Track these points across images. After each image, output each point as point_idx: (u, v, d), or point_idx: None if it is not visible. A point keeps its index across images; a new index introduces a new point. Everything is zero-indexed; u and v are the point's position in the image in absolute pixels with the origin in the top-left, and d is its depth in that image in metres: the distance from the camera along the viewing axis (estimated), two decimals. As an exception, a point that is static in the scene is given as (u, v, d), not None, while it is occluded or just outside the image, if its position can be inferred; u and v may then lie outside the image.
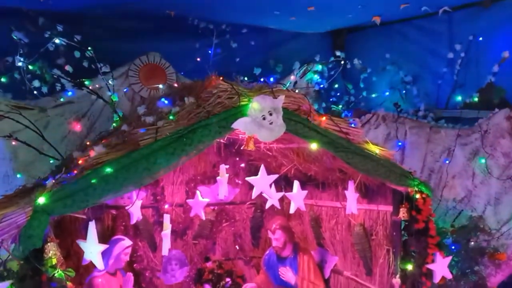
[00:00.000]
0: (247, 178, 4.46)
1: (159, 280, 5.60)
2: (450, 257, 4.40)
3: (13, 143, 4.99)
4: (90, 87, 5.41)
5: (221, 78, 3.60)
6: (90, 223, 3.46)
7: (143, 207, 5.48)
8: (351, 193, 4.41)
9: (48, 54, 5.30)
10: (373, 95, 7.96)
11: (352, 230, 4.93)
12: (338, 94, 8.11)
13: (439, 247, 4.32)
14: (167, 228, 4.23)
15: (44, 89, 5.30)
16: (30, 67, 5.00)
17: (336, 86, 8.08)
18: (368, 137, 7.34)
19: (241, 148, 3.75)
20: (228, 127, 3.43)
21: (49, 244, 3.04)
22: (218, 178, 4.37)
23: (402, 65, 7.50)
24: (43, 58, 5.16)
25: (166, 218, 4.15)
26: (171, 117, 3.50)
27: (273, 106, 3.57)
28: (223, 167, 4.31)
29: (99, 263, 3.45)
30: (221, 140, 4.88)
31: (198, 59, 6.88)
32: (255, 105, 3.49)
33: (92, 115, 6.31)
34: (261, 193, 4.32)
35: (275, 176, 4.27)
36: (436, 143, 6.12)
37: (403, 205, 4.32)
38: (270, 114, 3.55)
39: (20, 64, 4.90)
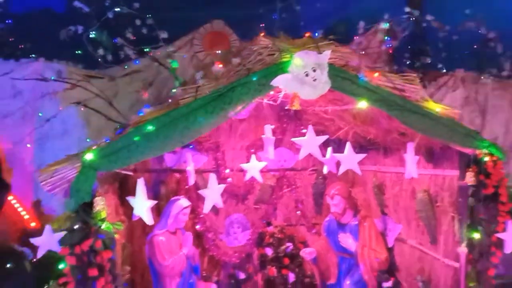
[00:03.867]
0: (293, 139, 4.35)
1: (221, 242, 5.73)
2: (525, 226, 3.98)
3: (81, 109, 5.31)
4: (151, 55, 5.55)
5: (262, 34, 3.48)
6: (138, 180, 3.58)
7: (204, 171, 5.63)
8: (410, 156, 4.12)
9: (111, 23, 5.51)
10: (452, 56, 7.34)
11: (415, 197, 4.63)
12: (413, 55, 7.58)
13: (511, 214, 3.91)
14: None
15: (109, 58, 5.51)
16: (92, 35, 5.22)
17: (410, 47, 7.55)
18: (444, 101, 6.91)
19: (285, 108, 3.63)
20: (268, 85, 3.33)
21: (97, 198, 3.19)
22: (263, 136, 4.27)
23: (485, 21, 6.79)
24: (105, 27, 5.36)
25: (212, 177, 4.17)
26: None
27: (318, 62, 3.40)
28: (268, 127, 4.22)
29: (147, 218, 3.58)
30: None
31: (262, 25, 6.79)
32: (297, 61, 3.34)
33: (159, 83, 6.53)
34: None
35: (324, 138, 4.11)
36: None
37: (470, 169, 3.95)
38: (314, 71, 3.39)
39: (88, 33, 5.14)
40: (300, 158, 4.38)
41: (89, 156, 3.12)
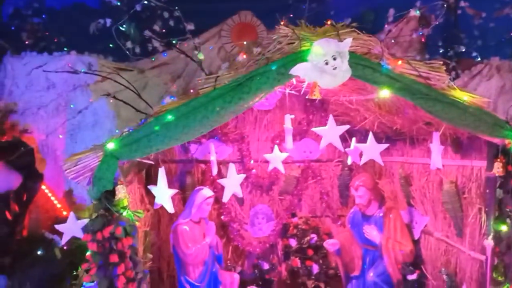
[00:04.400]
0: (313, 129, 4.32)
1: (246, 233, 5.78)
2: (557, 220, 3.82)
3: (111, 101, 5.43)
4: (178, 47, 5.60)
5: (282, 22, 3.46)
6: (159, 168, 3.65)
7: (229, 162, 5.66)
8: (435, 146, 4.02)
9: (140, 16, 5.60)
10: (488, 44, 7.09)
11: (439, 188, 4.52)
12: (447, 43, 7.37)
13: (541, 207, 3.76)
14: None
15: (137, 50, 5.60)
16: (120, 28, 5.32)
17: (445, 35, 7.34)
18: (479, 90, 6.69)
19: (306, 97, 3.60)
20: (287, 74, 3.30)
21: (119, 186, 3.27)
22: (284, 126, 4.26)
23: (522, 6, 6.53)
24: (133, 20, 5.46)
25: (231, 167, 4.19)
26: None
27: (338, 50, 3.34)
28: (288, 117, 4.20)
29: (169, 206, 3.65)
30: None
31: (291, 15, 6.75)
32: (317, 49, 3.30)
33: (187, 76, 6.61)
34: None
35: (345, 127, 4.06)
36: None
37: (498, 159, 3.81)
38: (334, 59, 3.33)
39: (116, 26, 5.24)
40: (321, 147, 4.34)
41: (110, 145, 3.19)
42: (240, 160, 5.73)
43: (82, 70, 5.33)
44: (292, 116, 4.29)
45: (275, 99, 5.63)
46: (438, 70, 3.63)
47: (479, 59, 6.83)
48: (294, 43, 3.41)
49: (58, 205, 5.74)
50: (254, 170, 5.74)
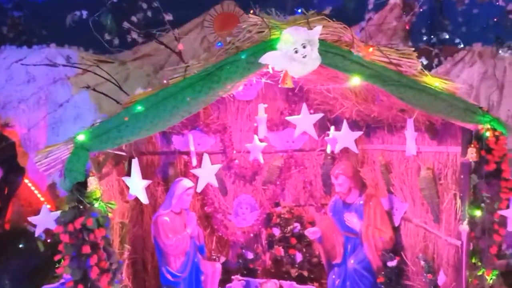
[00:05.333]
0: (287, 118, 4.33)
1: (230, 223, 5.80)
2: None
3: (93, 93, 5.43)
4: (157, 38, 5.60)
5: (251, 11, 3.45)
6: (133, 160, 3.66)
7: (211, 153, 5.67)
8: (409, 132, 4.03)
9: (117, 7, 5.58)
10: (471, 30, 7.10)
11: (417, 175, 4.55)
12: (431, 30, 7.38)
13: (514, 191, 3.79)
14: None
15: (116, 42, 5.59)
16: (98, 20, 5.30)
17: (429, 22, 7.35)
18: (461, 76, 6.70)
19: (279, 85, 3.60)
20: (256, 63, 3.30)
21: (90, 178, 3.28)
22: (256, 117, 4.26)
23: (504, -9, 6.53)
24: (112, 11, 5.43)
25: (205, 157, 4.20)
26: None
27: (308, 38, 3.34)
28: (261, 106, 4.20)
29: (143, 197, 3.66)
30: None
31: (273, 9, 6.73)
32: (286, 37, 3.29)
33: (170, 67, 6.58)
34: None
35: (318, 116, 4.07)
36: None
37: (472, 145, 3.83)
38: (304, 47, 3.33)
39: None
40: (295, 136, 4.35)
41: (81, 137, 3.20)
42: (223, 151, 5.74)
43: (61, 64, 5.35)
44: (265, 105, 4.29)
45: (256, 89, 5.63)
46: (409, 56, 3.64)
47: (462, 45, 6.84)
48: (263, 31, 3.40)
49: (42, 199, 5.76)
50: (237, 161, 5.75)
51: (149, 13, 5.56)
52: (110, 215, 3.36)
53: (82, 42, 6.05)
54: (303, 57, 3.34)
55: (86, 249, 3.17)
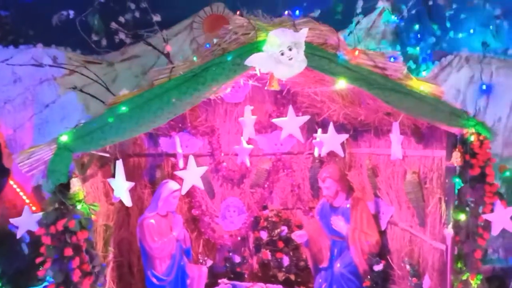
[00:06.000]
0: (273, 120, 4.32)
1: (217, 226, 5.78)
2: (514, 208, 3.86)
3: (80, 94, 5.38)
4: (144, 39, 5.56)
5: (238, 13, 3.44)
6: (117, 161, 3.63)
7: (199, 155, 5.66)
8: (395, 136, 4.04)
9: (105, 7, 5.54)
10: (459, 35, 7.15)
11: (403, 178, 4.56)
12: (420, 35, 7.43)
13: (498, 195, 3.80)
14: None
15: (103, 42, 5.54)
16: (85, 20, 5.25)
17: (417, 26, 7.40)
18: (449, 81, 6.75)
19: (265, 88, 3.60)
20: (242, 64, 3.29)
21: (73, 179, 3.24)
22: (240, 119, 4.24)
23: (493, -3, 6.59)
24: (100, 11, 5.39)
25: (191, 159, 4.19)
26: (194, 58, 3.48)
27: (294, 41, 3.34)
28: (247, 108, 4.19)
29: (126, 200, 3.63)
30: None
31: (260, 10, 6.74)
32: (272, 39, 3.29)
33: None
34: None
35: (305, 118, 4.07)
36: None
37: (457, 149, 3.85)
38: (290, 49, 3.33)
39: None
40: (281, 138, 4.35)
41: (64, 138, 3.17)
42: (211, 153, 5.73)
43: (47, 64, 5.29)
44: (251, 107, 4.28)
45: (244, 92, 5.63)
46: (396, 60, 3.64)
47: (450, 51, 6.89)
48: (250, 33, 3.40)
49: (27, 200, 5.68)
50: (224, 163, 5.74)
51: (137, 14, 5.52)
52: (93, 217, 3.32)
53: (70, 42, 5.97)
54: (289, 59, 3.34)
55: (68, 252, 3.13)
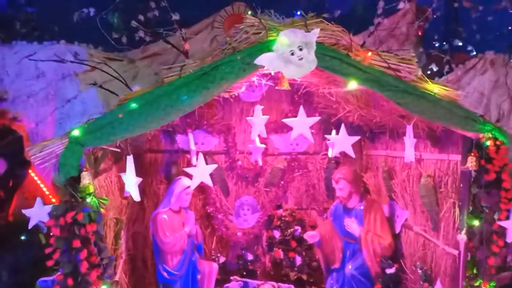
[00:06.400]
0: (284, 120, 4.31)
1: (231, 223, 5.80)
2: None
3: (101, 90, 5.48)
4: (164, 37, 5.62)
5: (249, 12, 3.45)
6: (128, 157, 3.68)
7: (215, 153, 5.70)
8: (408, 139, 3.98)
9: (126, 6, 5.63)
10: (485, 38, 6.99)
11: (418, 182, 4.48)
12: (444, 37, 7.29)
13: (516, 202, 3.70)
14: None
15: (124, 40, 5.64)
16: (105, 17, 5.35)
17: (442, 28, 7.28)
18: (472, 84, 6.59)
19: (276, 88, 3.60)
20: (252, 64, 3.30)
21: (83, 173, 3.31)
22: (248, 118, 4.24)
23: (518, -1, 6.41)
24: (120, 9, 5.49)
25: (200, 157, 4.22)
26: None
27: (305, 41, 3.33)
28: (258, 108, 4.19)
29: (135, 194, 3.68)
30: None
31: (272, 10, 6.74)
32: (282, 39, 3.29)
33: (179, 66, 6.62)
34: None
35: (315, 119, 4.05)
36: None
37: (472, 154, 3.76)
38: (300, 49, 3.32)
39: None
40: (292, 138, 4.33)
41: (75, 132, 3.24)
42: (226, 151, 5.75)
43: (69, 60, 5.41)
44: (262, 107, 4.29)
45: (261, 91, 5.63)
46: (409, 62, 3.59)
47: (474, 53, 6.73)
48: (260, 33, 3.40)
49: (47, 192, 5.83)
50: (239, 162, 5.76)
51: (156, 13, 5.59)
52: (102, 210, 3.39)
53: (92, 39, 6.11)
54: (299, 59, 3.33)
55: (77, 243, 3.20)
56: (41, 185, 5.85)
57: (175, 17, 5.53)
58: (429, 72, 6.71)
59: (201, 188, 5.58)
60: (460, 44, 7.13)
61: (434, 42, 7.27)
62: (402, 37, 7.49)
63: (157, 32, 5.70)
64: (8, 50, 5.94)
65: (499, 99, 6.23)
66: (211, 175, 5.61)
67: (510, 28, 6.75)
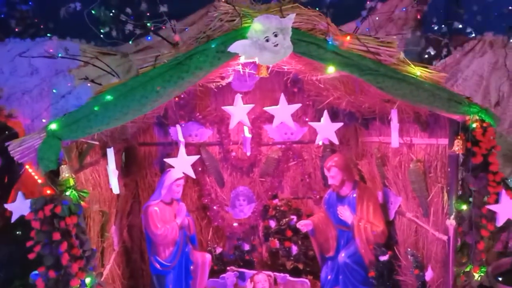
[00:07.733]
0: (265, 108, 4.26)
1: (227, 214, 5.80)
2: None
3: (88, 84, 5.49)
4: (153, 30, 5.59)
5: (222, 0, 3.40)
6: (108, 149, 3.69)
7: (209, 144, 5.69)
8: (394, 124, 3.90)
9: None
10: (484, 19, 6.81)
11: (408, 167, 4.40)
12: (444, 19, 7.14)
13: (504, 185, 3.60)
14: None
15: (113, 34, 5.63)
16: (93, 12, 5.33)
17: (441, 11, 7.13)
18: (471, 67, 6.45)
19: (255, 75, 3.55)
20: (226, 52, 3.26)
21: (62, 166, 3.33)
22: (225, 107, 4.18)
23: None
24: (105, 3, 5.47)
25: (181, 147, 4.20)
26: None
27: (280, 27, 3.27)
28: (238, 96, 4.14)
29: (114, 187, 3.70)
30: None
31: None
32: (257, 26, 3.24)
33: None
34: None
35: (296, 106, 3.99)
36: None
37: (458, 137, 3.67)
38: (275, 36, 3.27)
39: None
40: (273, 126, 4.29)
41: (52, 126, 3.25)
42: (220, 142, 5.74)
43: (59, 55, 5.43)
44: (241, 95, 4.23)
45: (254, 81, 5.58)
46: (389, 45, 3.50)
47: (473, 35, 6.57)
48: (235, 20, 3.36)
49: (44, 187, 5.88)
50: (234, 153, 5.74)
51: (145, 5, 5.57)
52: (82, 203, 3.40)
53: (84, 34, 6.13)
54: (275, 45, 3.28)
55: (56, 236, 3.22)
56: (39, 181, 5.90)
57: (163, 8, 5.50)
58: (426, 56, 6.59)
59: (196, 180, 5.58)
60: (460, 26, 6.95)
61: (433, 26, 7.11)
62: (401, 22, 7.36)
63: (146, 25, 5.69)
64: (1, 47, 5.99)
65: (499, 81, 6.09)
66: (206, 166, 5.65)
67: (510, 8, 6.55)
